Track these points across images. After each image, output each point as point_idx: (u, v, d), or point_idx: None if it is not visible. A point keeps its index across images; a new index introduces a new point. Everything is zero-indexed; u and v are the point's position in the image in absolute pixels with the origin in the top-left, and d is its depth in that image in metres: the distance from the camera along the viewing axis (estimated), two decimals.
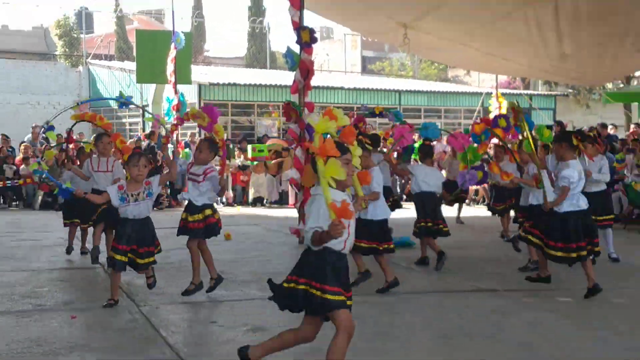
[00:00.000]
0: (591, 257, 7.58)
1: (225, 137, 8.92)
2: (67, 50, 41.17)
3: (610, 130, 19.83)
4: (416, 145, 11.18)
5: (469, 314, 6.88)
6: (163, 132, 19.41)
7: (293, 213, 13.84)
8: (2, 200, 19.11)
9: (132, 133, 27.75)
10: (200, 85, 26.19)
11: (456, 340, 5.89)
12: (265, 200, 19.43)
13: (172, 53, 18.37)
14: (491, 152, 12.66)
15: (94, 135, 8.60)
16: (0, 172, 18.92)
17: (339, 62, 47.56)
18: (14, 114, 28.96)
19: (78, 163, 10.44)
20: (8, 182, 18.70)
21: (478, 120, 10.93)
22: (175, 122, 12.88)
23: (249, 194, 19.52)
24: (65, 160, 10.53)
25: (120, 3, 46.73)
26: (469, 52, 17.34)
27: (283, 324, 6.47)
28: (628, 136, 17.69)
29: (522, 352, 5.57)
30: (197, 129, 19.39)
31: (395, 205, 11.33)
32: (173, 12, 20.03)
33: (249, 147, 20.32)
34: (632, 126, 22.01)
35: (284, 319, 6.66)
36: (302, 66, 11.18)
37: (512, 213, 11.47)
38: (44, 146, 15.10)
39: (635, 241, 12.19)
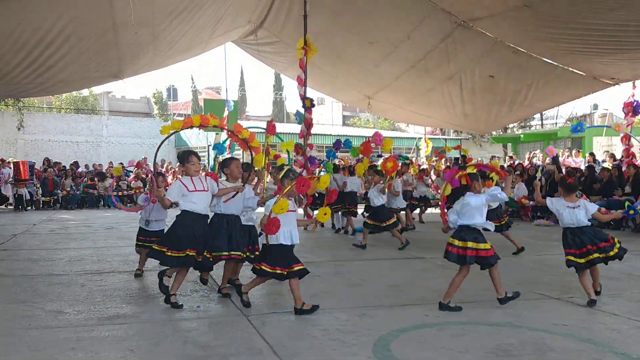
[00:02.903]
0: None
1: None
2: (160, 111, 41.33)
3: (495, 160, 19.96)
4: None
5: (408, 271, 6.80)
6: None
7: (300, 211, 13.80)
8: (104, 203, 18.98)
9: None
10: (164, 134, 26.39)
11: (398, 287, 5.86)
12: None
13: (226, 112, 18.55)
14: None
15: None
16: (118, 186, 18.92)
17: (328, 119, 47.59)
18: (128, 150, 29.05)
19: None
20: (125, 191, 18.70)
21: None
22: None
23: None
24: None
25: (195, 81, 47.96)
26: (406, 112, 17.39)
27: None
28: (511, 164, 17.75)
29: (433, 294, 5.32)
30: None
31: None
32: (227, 88, 20.28)
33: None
34: (507, 158, 22.15)
35: None
36: (306, 121, 11.27)
37: None
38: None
39: None
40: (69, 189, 17.97)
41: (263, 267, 4.66)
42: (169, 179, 18.63)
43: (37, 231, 11.15)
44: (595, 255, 5.10)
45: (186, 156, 5.11)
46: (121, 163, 21.38)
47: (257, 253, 5.33)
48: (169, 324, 4.42)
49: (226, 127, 5.55)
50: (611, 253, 5.14)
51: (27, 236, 10.29)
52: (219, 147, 6.23)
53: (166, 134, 5.16)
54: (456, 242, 4.91)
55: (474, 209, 4.93)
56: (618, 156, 14.94)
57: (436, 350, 3.78)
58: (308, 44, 11.02)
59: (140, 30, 9.65)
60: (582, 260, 5.11)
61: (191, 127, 5.21)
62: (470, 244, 4.85)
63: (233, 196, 5.18)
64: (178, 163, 5.82)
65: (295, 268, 4.66)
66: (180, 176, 5.17)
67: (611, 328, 4.33)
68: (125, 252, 8.27)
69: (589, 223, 5.25)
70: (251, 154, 5.59)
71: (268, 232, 4.55)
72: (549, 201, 5.40)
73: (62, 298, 5.30)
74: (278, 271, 4.62)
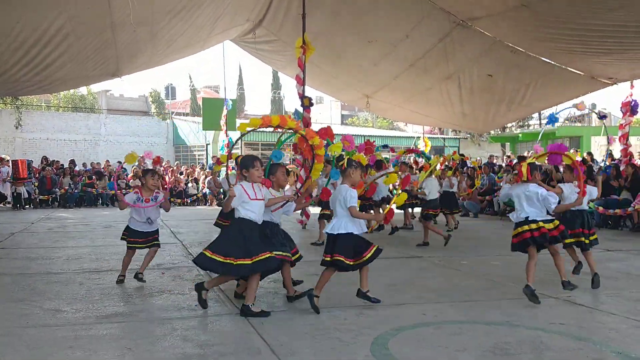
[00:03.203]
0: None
1: None
2: (158, 109, 41.37)
3: (493, 159, 19.98)
4: None
5: (407, 270, 6.81)
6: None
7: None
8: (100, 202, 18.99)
9: (200, 160, 27.77)
10: (241, 132, 26.31)
11: (396, 286, 5.85)
12: None
13: (224, 111, 18.57)
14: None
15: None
16: (117, 185, 18.92)
17: (327, 118, 47.62)
18: (126, 148, 29.08)
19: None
20: (123, 190, 18.68)
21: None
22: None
23: None
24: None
25: (193, 80, 47.95)
26: (405, 112, 17.40)
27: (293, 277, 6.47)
28: (509, 164, 17.76)
29: (431, 293, 5.45)
30: None
31: None
32: (225, 87, 20.23)
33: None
34: (505, 157, 22.13)
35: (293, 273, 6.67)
36: (304, 120, 11.26)
37: None
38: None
39: (507, 226, 12.13)
40: (67, 187, 17.94)
41: (341, 260, 4.68)
42: (167, 177, 18.59)
43: (35, 229, 11.13)
44: (582, 238, 5.80)
45: (251, 161, 4.77)
46: (119, 161, 21.42)
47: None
48: (167, 323, 4.42)
49: (300, 131, 5.20)
50: (585, 241, 5.82)
51: (25, 234, 10.27)
52: (277, 155, 5.77)
53: (243, 131, 5.02)
54: (526, 227, 5.13)
55: (536, 198, 5.18)
56: (616, 155, 14.96)
57: (434, 349, 3.78)
58: (306, 43, 11.00)
59: (138, 29, 9.64)
60: (572, 240, 5.82)
61: (269, 126, 5.01)
62: (534, 225, 5.13)
63: (282, 205, 5.10)
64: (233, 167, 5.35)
65: (366, 257, 4.74)
66: (242, 181, 4.77)
67: (609, 327, 4.33)
68: (123, 250, 8.21)
69: (587, 207, 5.95)
70: (313, 161, 5.28)
71: (386, 223, 5.13)
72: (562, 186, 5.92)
73: (60, 296, 5.29)
74: (350, 262, 4.70)
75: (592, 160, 15.57)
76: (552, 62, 12.28)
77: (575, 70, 12.44)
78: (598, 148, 23.69)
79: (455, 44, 12.19)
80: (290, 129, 5.18)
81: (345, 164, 4.86)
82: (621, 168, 12.32)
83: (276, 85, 48.51)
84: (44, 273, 6.50)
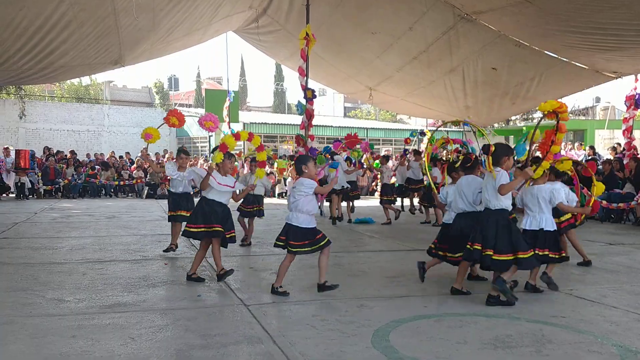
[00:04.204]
0: None
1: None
2: (161, 101, 41.39)
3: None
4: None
5: (409, 263, 6.75)
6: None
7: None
8: (115, 192, 19.10)
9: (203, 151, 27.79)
10: (244, 123, 26.25)
11: (398, 278, 5.85)
12: (285, 194, 19.05)
13: (227, 103, 18.60)
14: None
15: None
16: (119, 175, 18.96)
17: (329, 110, 47.58)
18: (129, 140, 29.10)
19: None
20: (127, 181, 18.73)
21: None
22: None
23: (276, 190, 19.36)
24: None
25: (196, 72, 48.19)
26: (408, 105, 17.35)
27: (294, 268, 6.48)
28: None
29: (433, 286, 5.44)
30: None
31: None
32: (228, 78, 20.31)
33: (276, 162, 20.15)
34: None
35: (293, 265, 6.68)
36: (307, 112, 11.23)
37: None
38: None
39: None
40: (70, 177, 17.97)
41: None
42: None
43: (39, 220, 11.17)
44: None
45: (508, 150, 4.97)
46: (127, 153, 21.48)
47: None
48: (169, 313, 4.44)
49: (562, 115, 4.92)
50: None
51: (28, 225, 10.31)
52: (522, 150, 5.47)
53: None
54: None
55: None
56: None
57: (434, 341, 3.79)
58: (309, 35, 10.95)
59: (140, 15, 9.63)
60: None
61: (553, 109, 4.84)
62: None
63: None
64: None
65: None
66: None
67: (610, 320, 4.33)
68: (127, 241, 8.29)
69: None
70: (551, 144, 5.02)
71: (592, 214, 6.01)
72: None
73: (63, 286, 5.31)
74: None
75: (595, 153, 15.50)
76: (556, 56, 12.21)
77: (580, 64, 12.37)
78: (602, 141, 23.57)
79: (459, 37, 12.12)
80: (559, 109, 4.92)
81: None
82: (625, 162, 12.28)
83: (279, 77, 48.36)
84: (47, 263, 6.52)
